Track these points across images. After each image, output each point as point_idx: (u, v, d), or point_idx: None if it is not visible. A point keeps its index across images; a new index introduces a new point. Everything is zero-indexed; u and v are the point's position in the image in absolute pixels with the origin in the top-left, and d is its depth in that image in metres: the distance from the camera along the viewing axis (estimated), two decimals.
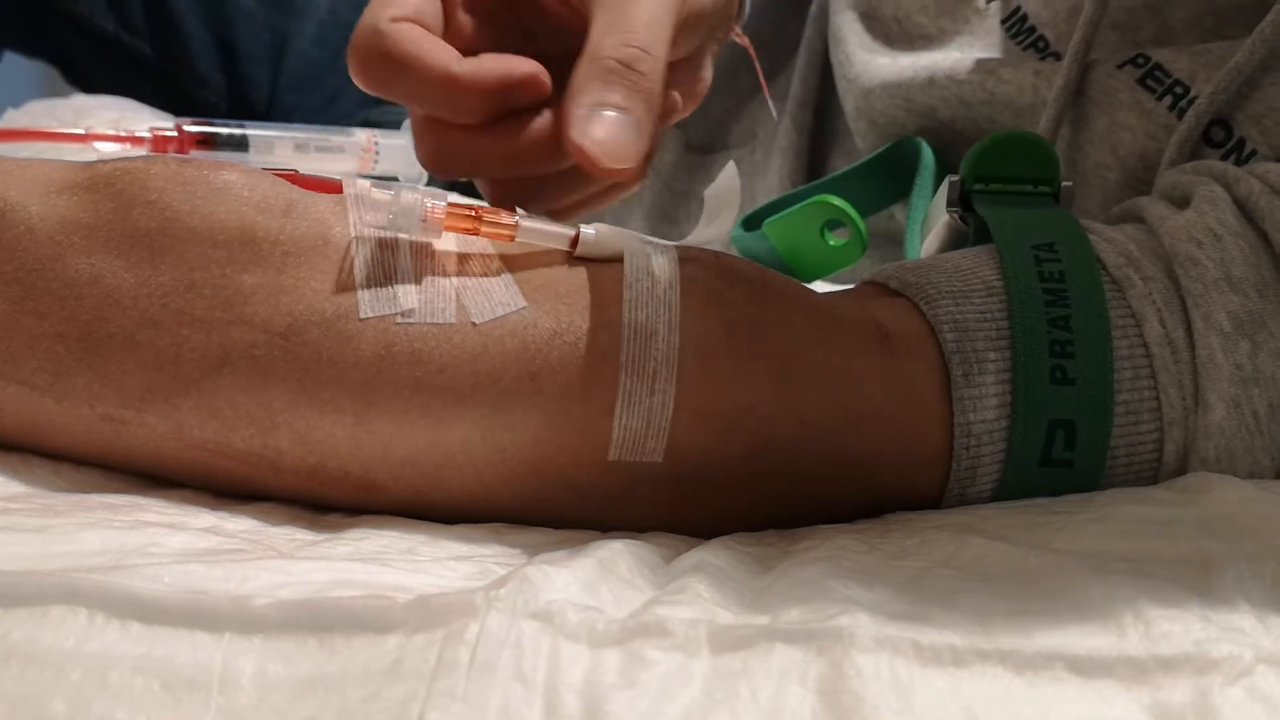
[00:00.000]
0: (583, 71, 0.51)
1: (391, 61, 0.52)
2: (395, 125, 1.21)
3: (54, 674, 0.34)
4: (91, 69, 1.24)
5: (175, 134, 0.76)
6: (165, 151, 0.76)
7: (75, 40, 1.22)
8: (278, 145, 0.80)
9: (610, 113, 0.50)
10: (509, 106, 0.53)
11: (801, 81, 0.92)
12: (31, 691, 0.34)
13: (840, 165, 0.88)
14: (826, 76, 0.91)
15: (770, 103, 0.81)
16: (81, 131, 0.76)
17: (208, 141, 0.77)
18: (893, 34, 0.81)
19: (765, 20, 1.03)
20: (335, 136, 0.83)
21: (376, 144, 0.84)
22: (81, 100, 0.97)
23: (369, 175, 0.82)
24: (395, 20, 0.52)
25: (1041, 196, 0.56)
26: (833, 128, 0.91)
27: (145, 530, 0.42)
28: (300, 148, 0.81)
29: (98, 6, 1.20)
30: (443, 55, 0.52)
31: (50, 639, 0.35)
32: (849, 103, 0.82)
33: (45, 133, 0.78)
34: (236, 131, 0.78)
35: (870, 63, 0.80)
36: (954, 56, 0.75)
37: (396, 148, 0.85)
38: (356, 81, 0.53)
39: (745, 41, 0.67)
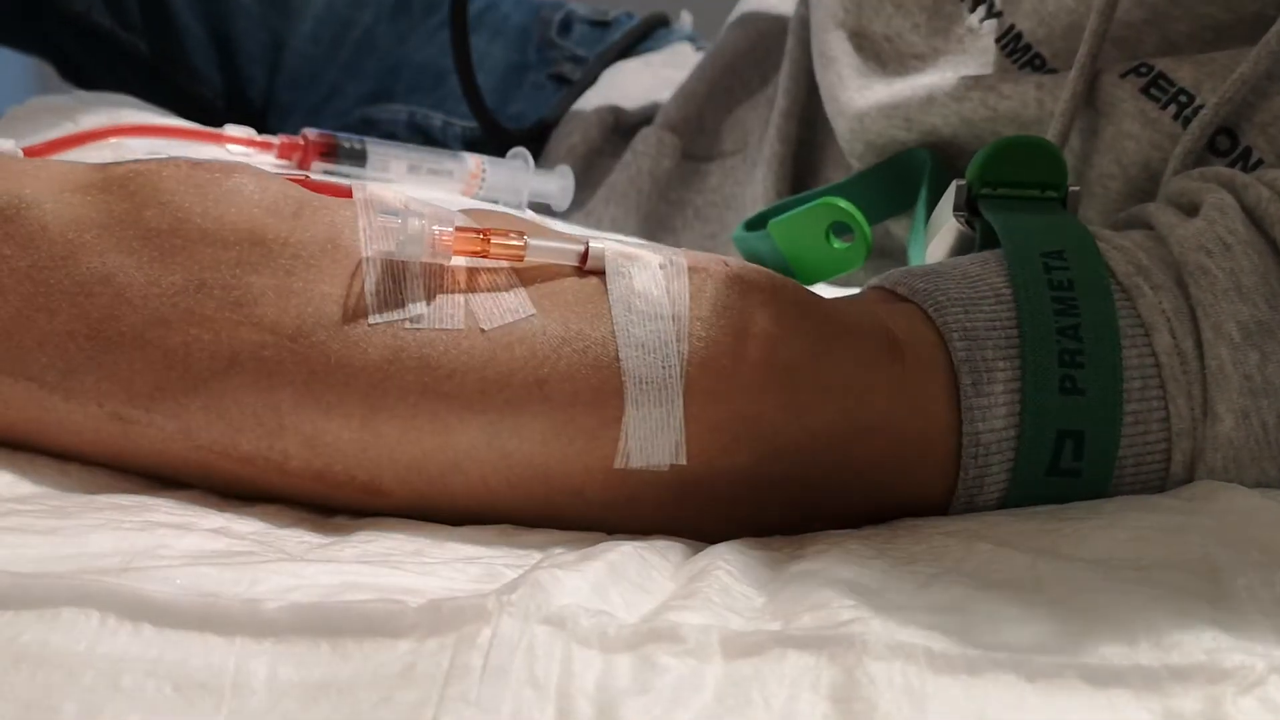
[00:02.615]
0: None
1: None
2: (392, 122, 1.21)
3: (66, 676, 0.34)
4: (87, 65, 1.24)
5: (301, 141, 0.79)
6: (291, 157, 0.78)
7: (71, 36, 1.22)
8: (393, 163, 0.82)
9: None
10: None
11: (785, 93, 0.92)
12: (43, 694, 0.34)
13: (833, 175, 0.89)
14: (812, 87, 0.91)
15: None
16: (215, 130, 0.78)
17: (330, 152, 0.79)
18: (884, 53, 0.80)
19: (760, 35, 1.04)
20: (447, 161, 0.85)
21: (484, 170, 0.86)
22: (82, 97, 0.96)
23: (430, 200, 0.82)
24: None
25: (1049, 201, 0.56)
26: (822, 138, 0.91)
27: (155, 532, 0.42)
28: (413, 169, 0.83)
29: (94, 3, 1.20)
30: None
31: (62, 641, 0.35)
32: (840, 125, 0.81)
33: (181, 130, 0.79)
34: (357, 144, 0.81)
35: (864, 87, 0.80)
36: (950, 77, 0.75)
37: (502, 174, 0.87)
38: None
39: None
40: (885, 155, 0.79)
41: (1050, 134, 0.67)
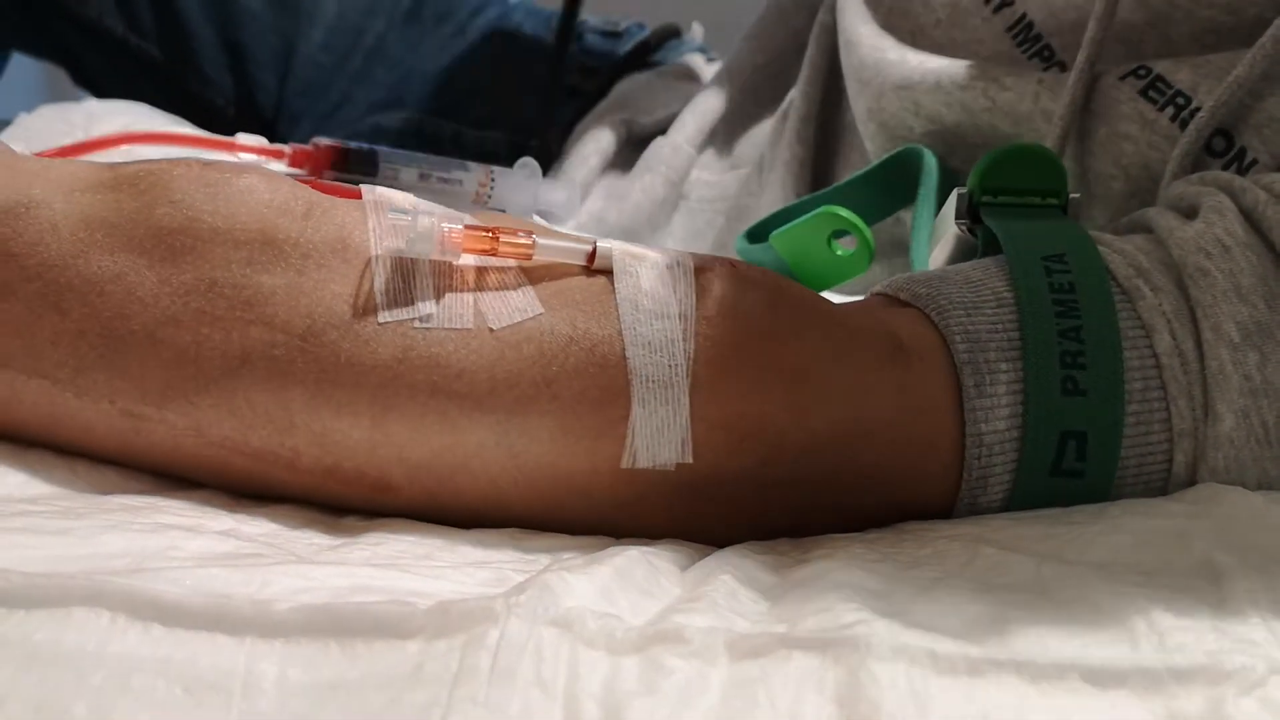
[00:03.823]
0: None
1: None
2: (402, 131, 1.22)
3: (76, 676, 0.34)
4: (99, 71, 1.24)
5: (312, 150, 0.80)
6: (302, 166, 0.79)
7: (83, 42, 1.22)
8: (403, 171, 0.83)
9: None
10: None
11: (804, 96, 0.93)
12: (54, 694, 0.34)
13: (845, 177, 0.89)
14: (830, 92, 0.91)
15: None
16: (227, 139, 0.79)
17: (341, 161, 0.80)
18: (906, 45, 0.81)
19: (773, 56, 1.04)
20: (456, 170, 0.86)
21: (492, 180, 0.87)
22: (93, 105, 0.97)
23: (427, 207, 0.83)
24: None
25: (1049, 208, 0.56)
26: (835, 142, 0.92)
27: (165, 533, 0.42)
28: (423, 177, 0.84)
29: (106, 8, 1.20)
30: None
31: (73, 641, 0.35)
32: (860, 105, 0.82)
33: (193, 138, 0.80)
34: (368, 153, 0.82)
35: (882, 60, 0.80)
36: (961, 65, 0.75)
37: (510, 183, 0.87)
38: None
39: None
40: (895, 139, 0.79)
41: (1049, 139, 0.67)
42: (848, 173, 0.89)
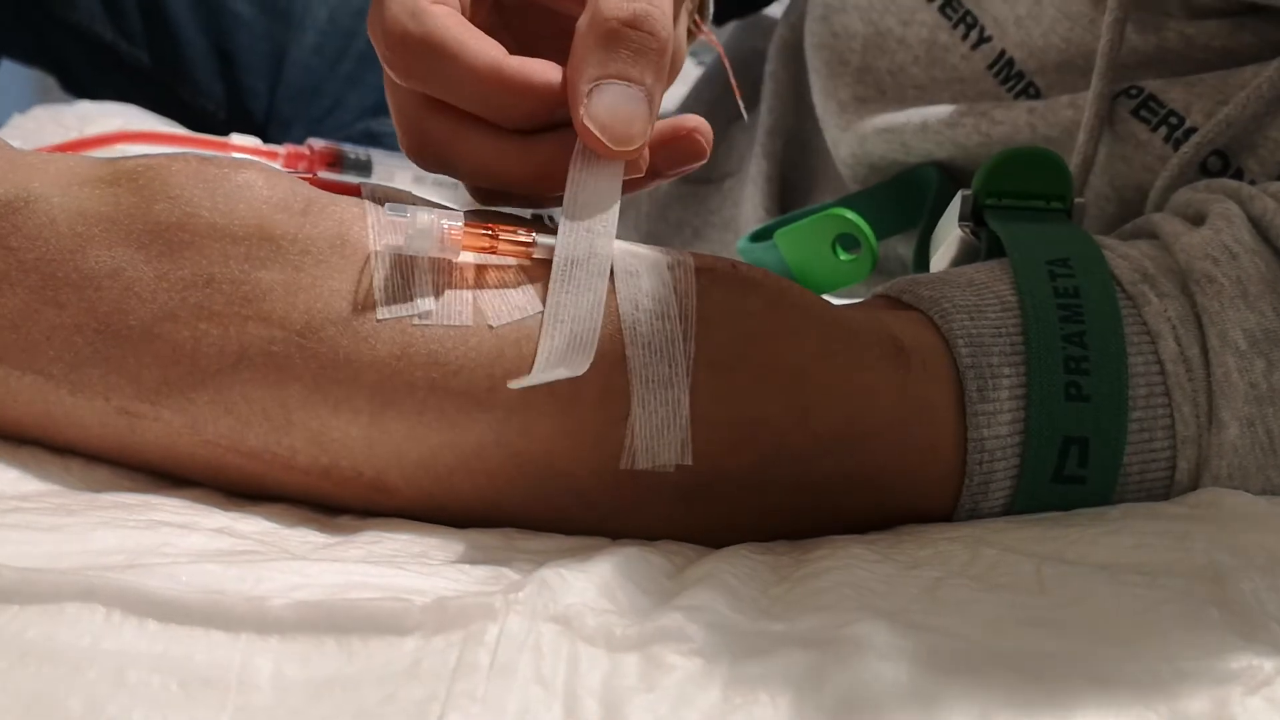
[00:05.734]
0: (587, 36, 0.48)
1: (434, 48, 0.48)
2: (394, 135, 1.21)
3: (70, 672, 0.34)
4: (89, 77, 1.24)
5: (307, 151, 0.80)
6: (297, 166, 0.78)
7: (73, 48, 1.22)
8: (398, 173, 0.83)
9: (617, 85, 0.48)
10: (546, 119, 0.50)
11: (770, 111, 0.92)
12: (48, 689, 0.34)
13: (824, 194, 0.89)
14: (799, 108, 0.91)
15: (741, 106, 0.78)
16: (221, 139, 0.78)
17: (335, 163, 0.80)
18: (885, 85, 0.81)
19: (753, 53, 1.04)
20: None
21: None
22: (86, 106, 0.97)
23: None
24: (435, 2, 0.49)
25: (1054, 212, 0.56)
26: (812, 161, 0.91)
27: (158, 530, 0.42)
28: (419, 179, 0.84)
29: (95, 14, 1.20)
30: (489, 46, 0.49)
31: (67, 636, 0.35)
32: (843, 151, 0.81)
33: (186, 138, 0.79)
34: (363, 155, 0.81)
35: (866, 114, 0.80)
36: (944, 106, 0.75)
37: None
38: (389, 67, 0.50)
39: (714, 40, 0.66)
40: (889, 176, 0.79)
41: (1072, 164, 0.67)
42: (827, 189, 0.89)
